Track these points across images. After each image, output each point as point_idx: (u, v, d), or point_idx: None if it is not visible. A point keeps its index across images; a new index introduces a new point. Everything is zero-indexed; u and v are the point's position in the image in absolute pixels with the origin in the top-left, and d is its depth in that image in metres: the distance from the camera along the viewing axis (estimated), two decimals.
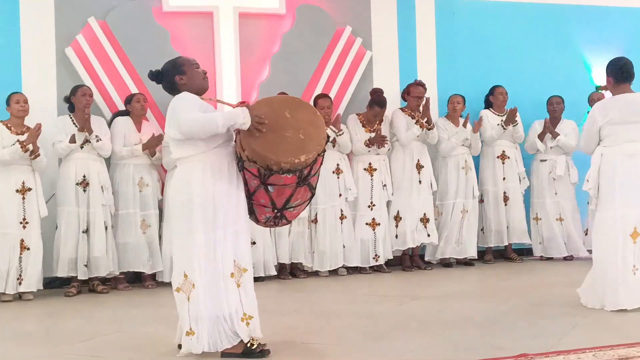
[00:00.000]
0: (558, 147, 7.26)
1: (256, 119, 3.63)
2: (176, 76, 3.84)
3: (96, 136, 5.98)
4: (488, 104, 7.41)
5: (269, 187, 3.67)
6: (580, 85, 7.85)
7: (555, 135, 7.25)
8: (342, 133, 6.58)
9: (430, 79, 7.35)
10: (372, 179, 6.71)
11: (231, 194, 3.72)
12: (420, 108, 6.80)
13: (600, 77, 7.90)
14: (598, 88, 7.83)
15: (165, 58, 6.43)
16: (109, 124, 6.33)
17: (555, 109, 7.34)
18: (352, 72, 7.17)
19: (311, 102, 6.82)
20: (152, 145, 6.22)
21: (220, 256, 3.67)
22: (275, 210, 3.76)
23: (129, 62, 6.61)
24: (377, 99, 6.69)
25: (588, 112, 4.97)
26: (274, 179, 3.64)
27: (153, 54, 6.47)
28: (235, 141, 3.79)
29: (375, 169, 6.72)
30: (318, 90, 7.02)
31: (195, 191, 3.67)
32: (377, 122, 6.80)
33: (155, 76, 3.92)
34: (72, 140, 5.93)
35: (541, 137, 7.27)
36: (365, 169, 6.72)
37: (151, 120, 6.60)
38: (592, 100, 7.29)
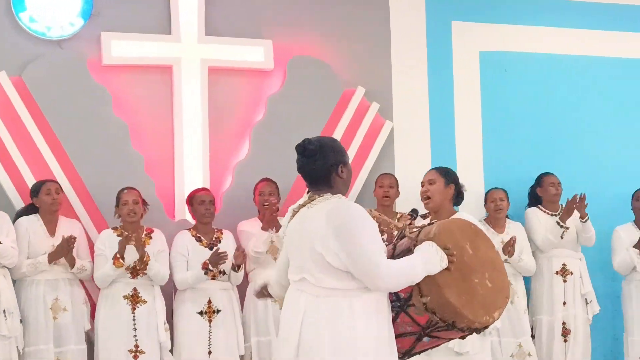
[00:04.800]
0: None
1: (448, 253, 3.70)
2: (340, 166, 3.83)
3: None
4: (535, 200, 7.28)
5: (426, 338, 3.81)
6: None
7: None
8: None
9: (473, 160, 7.38)
10: None
11: (393, 343, 3.76)
12: None
13: None
14: None
15: (106, 127, 6.49)
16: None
17: None
18: (365, 149, 7.08)
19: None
20: (62, 254, 5.98)
21: None
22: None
23: (52, 134, 6.48)
24: None
25: None
26: (445, 333, 3.77)
27: (87, 122, 6.51)
28: None
29: None
30: None
31: (359, 337, 3.65)
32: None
33: (311, 151, 3.81)
34: None
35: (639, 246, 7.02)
36: None
37: (83, 218, 6.41)
38: None
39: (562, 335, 6.96)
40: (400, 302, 3.78)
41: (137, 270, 6.03)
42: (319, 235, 3.68)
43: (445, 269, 3.67)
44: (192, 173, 6.71)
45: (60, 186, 6.21)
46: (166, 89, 6.81)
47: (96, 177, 6.46)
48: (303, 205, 3.82)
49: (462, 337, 3.92)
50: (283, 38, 7.04)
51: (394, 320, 3.79)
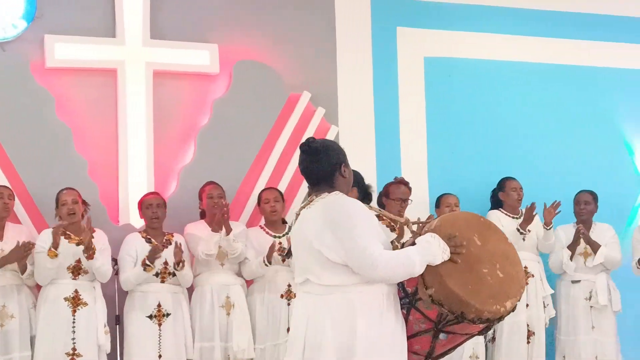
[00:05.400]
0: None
1: (453, 244, 3.73)
2: (343, 165, 3.92)
3: None
4: (497, 203, 7.35)
5: (441, 335, 3.80)
6: (620, 175, 7.93)
7: (595, 247, 7.13)
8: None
9: (418, 165, 7.44)
10: None
11: (399, 341, 3.77)
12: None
13: None
14: None
15: (49, 131, 6.50)
16: None
17: (583, 210, 7.30)
18: None
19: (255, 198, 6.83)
20: (15, 259, 5.94)
21: None
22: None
23: None
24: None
25: None
26: (459, 327, 3.76)
27: (30, 125, 6.47)
28: None
29: None
30: (264, 180, 6.91)
31: (359, 334, 3.68)
32: None
33: (316, 149, 3.89)
34: None
35: (572, 248, 7.16)
36: None
37: (24, 222, 6.36)
38: None
39: (527, 337, 7.02)
40: (408, 298, 3.81)
41: (79, 268, 6.02)
42: (315, 232, 3.76)
43: (451, 260, 3.71)
44: (136, 177, 6.69)
45: (12, 192, 6.17)
46: (110, 93, 6.78)
47: (39, 181, 6.42)
48: (304, 207, 3.90)
49: (480, 333, 3.92)
50: (229, 42, 7.05)
51: (406, 319, 3.82)
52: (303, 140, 3.99)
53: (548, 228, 7.06)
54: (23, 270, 6.01)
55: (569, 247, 7.16)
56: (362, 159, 7.18)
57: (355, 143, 7.23)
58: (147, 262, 6.09)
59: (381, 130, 7.42)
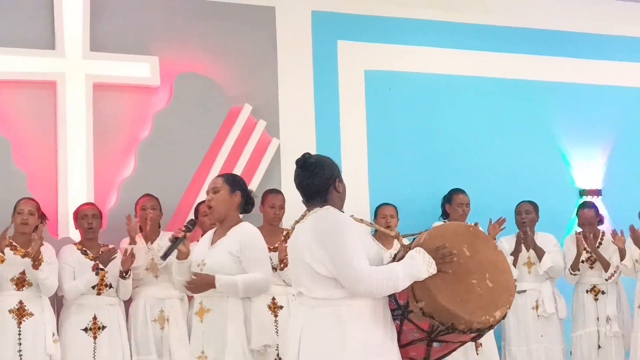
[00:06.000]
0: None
1: (441, 254, 3.79)
2: (337, 180, 3.99)
3: None
4: (446, 213, 7.38)
5: (435, 344, 3.88)
6: (557, 187, 8.06)
7: (540, 252, 7.18)
8: None
9: (359, 178, 7.45)
10: None
11: (389, 353, 3.83)
12: None
13: (583, 176, 8.14)
14: (582, 192, 8.05)
15: None
16: None
17: (524, 218, 7.35)
18: (252, 167, 7.13)
19: (192, 210, 6.81)
20: None
21: None
22: None
23: None
24: None
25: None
26: (451, 337, 3.83)
27: None
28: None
29: None
30: (204, 194, 6.82)
31: (349, 347, 3.74)
32: None
33: (311, 164, 3.98)
34: None
35: (515, 255, 7.19)
36: None
37: None
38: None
39: (475, 348, 6.97)
40: (401, 310, 3.89)
41: (24, 280, 5.95)
42: (307, 246, 3.84)
43: (440, 271, 3.76)
44: (76, 190, 6.64)
45: None
46: (50, 105, 6.73)
47: None
48: (298, 222, 3.98)
49: (473, 340, 3.98)
50: (169, 54, 7.05)
51: (400, 329, 3.90)
52: (299, 156, 4.06)
53: None
54: None
55: (512, 254, 7.18)
56: None
57: (296, 156, 6.92)
58: (101, 266, 6.05)
59: (322, 143, 7.43)
